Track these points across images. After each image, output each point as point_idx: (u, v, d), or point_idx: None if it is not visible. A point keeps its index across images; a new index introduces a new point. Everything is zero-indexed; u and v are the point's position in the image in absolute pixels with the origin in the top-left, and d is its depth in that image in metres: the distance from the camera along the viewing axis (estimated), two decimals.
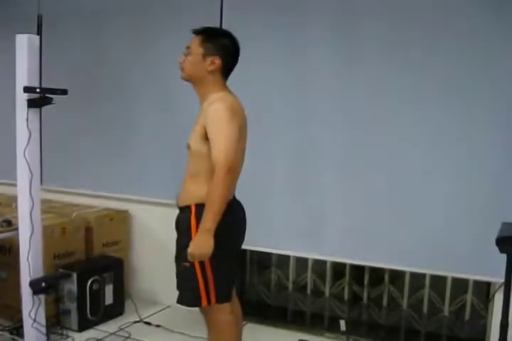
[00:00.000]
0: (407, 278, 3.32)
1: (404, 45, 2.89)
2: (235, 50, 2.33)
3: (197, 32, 2.33)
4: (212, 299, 2.29)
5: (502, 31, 2.69)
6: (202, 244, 2.14)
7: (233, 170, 2.13)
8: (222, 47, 2.29)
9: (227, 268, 2.32)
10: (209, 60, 2.28)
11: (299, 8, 3.11)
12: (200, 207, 2.19)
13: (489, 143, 2.79)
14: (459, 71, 2.81)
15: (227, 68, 2.33)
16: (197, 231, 2.18)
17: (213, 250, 2.16)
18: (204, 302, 2.28)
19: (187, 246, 2.18)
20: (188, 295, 2.32)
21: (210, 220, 2.13)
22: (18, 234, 2.86)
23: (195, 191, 2.25)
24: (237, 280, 2.55)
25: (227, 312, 2.36)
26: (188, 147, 2.29)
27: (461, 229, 2.87)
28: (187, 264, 2.24)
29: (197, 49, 2.30)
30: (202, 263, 2.24)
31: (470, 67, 2.78)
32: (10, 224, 3.01)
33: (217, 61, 2.28)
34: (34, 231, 2.82)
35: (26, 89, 2.71)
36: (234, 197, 2.37)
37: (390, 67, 2.94)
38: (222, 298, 2.32)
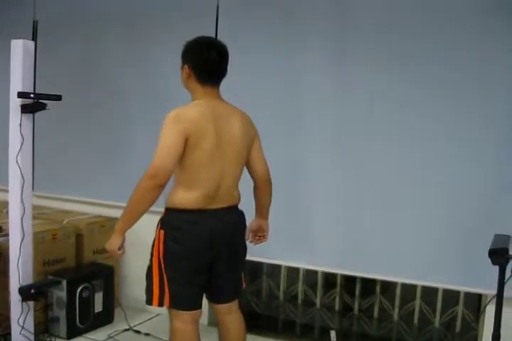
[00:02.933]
0: (399, 289, 3.32)
1: (401, 52, 2.90)
2: (207, 54, 2.28)
3: None
4: (166, 301, 2.32)
5: (498, 35, 2.70)
6: (110, 241, 2.29)
7: (155, 177, 2.12)
8: (189, 54, 2.32)
9: (181, 279, 2.31)
10: (183, 69, 2.34)
11: (295, 18, 3.12)
12: (168, 211, 2.33)
13: (483, 157, 2.80)
14: (453, 77, 2.81)
15: (201, 74, 2.30)
16: (159, 232, 2.31)
17: (168, 260, 2.28)
18: (155, 302, 2.33)
19: (153, 244, 2.33)
20: (146, 292, 2.37)
21: (120, 220, 2.26)
22: (8, 240, 2.84)
23: (169, 195, 2.32)
24: (225, 293, 2.50)
25: (182, 319, 2.35)
26: None
27: (453, 241, 2.86)
28: (149, 263, 2.35)
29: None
30: (159, 266, 2.30)
31: (466, 73, 2.78)
32: (0, 230, 2.99)
33: (187, 68, 2.31)
34: (25, 237, 2.81)
35: (20, 95, 2.70)
36: (212, 208, 2.32)
37: (387, 73, 2.95)
38: (176, 304, 2.34)
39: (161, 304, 2.32)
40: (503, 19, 2.68)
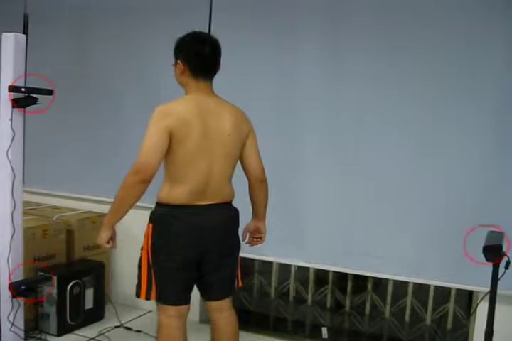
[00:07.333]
0: (390, 286, 3.33)
1: (393, 50, 2.90)
2: (200, 48, 2.29)
3: None
4: (152, 295, 2.34)
5: (491, 31, 2.69)
6: (99, 235, 2.32)
7: (139, 173, 2.14)
8: (182, 49, 2.32)
9: (166, 274, 2.32)
10: (176, 65, 2.34)
11: (288, 11, 3.10)
12: (156, 206, 2.35)
13: (473, 152, 2.80)
14: (447, 68, 2.80)
15: (194, 68, 2.30)
16: (148, 226, 2.33)
17: (153, 254, 2.30)
18: (143, 295, 2.36)
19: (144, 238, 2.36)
20: (136, 285, 2.39)
21: (108, 215, 2.30)
22: None
23: (159, 190, 2.33)
24: (215, 290, 2.47)
25: (167, 314, 2.37)
26: None
27: (444, 238, 2.87)
28: (140, 255, 2.37)
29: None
30: (148, 259, 2.33)
31: (457, 63, 2.78)
32: None
33: (180, 63, 2.31)
34: (15, 233, 2.79)
35: (11, 89, 2.67)
36: (201, 204, 2.31)
37: (380, 71, 2.94)
38: (162, 299, 2.36)
39: (148, 297, 2.35)
40: (496, 10, 2.68)
